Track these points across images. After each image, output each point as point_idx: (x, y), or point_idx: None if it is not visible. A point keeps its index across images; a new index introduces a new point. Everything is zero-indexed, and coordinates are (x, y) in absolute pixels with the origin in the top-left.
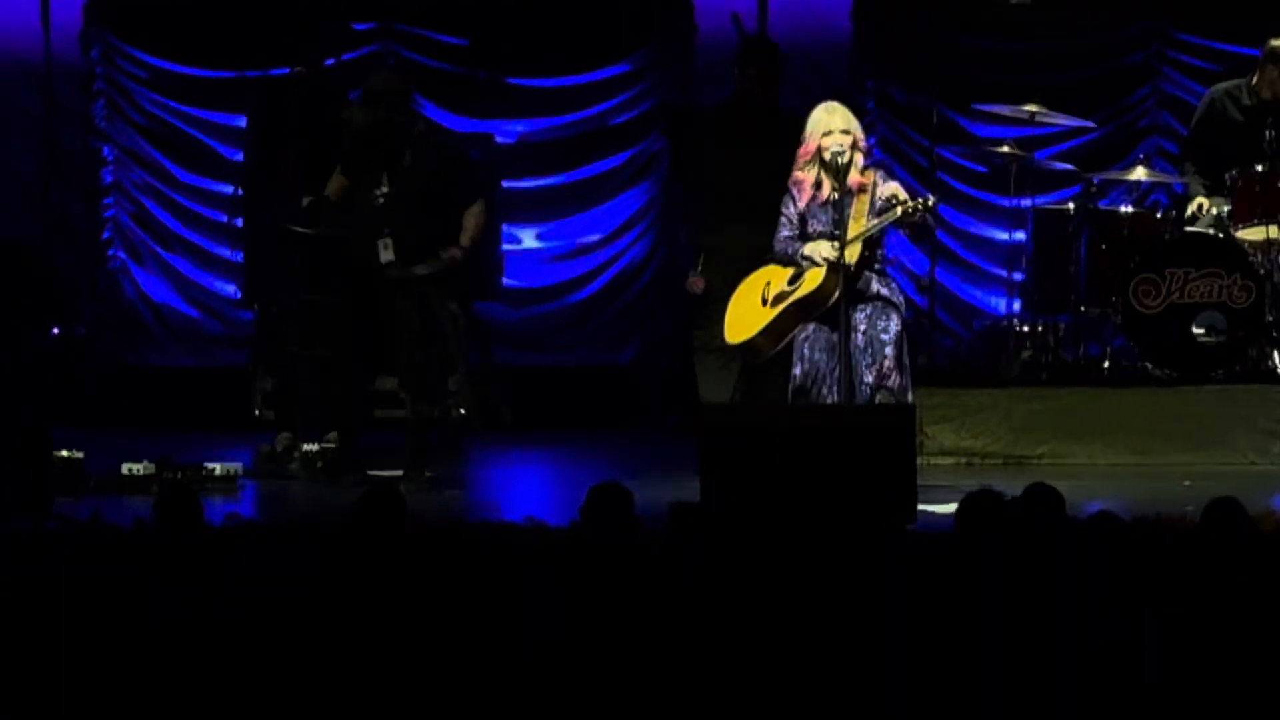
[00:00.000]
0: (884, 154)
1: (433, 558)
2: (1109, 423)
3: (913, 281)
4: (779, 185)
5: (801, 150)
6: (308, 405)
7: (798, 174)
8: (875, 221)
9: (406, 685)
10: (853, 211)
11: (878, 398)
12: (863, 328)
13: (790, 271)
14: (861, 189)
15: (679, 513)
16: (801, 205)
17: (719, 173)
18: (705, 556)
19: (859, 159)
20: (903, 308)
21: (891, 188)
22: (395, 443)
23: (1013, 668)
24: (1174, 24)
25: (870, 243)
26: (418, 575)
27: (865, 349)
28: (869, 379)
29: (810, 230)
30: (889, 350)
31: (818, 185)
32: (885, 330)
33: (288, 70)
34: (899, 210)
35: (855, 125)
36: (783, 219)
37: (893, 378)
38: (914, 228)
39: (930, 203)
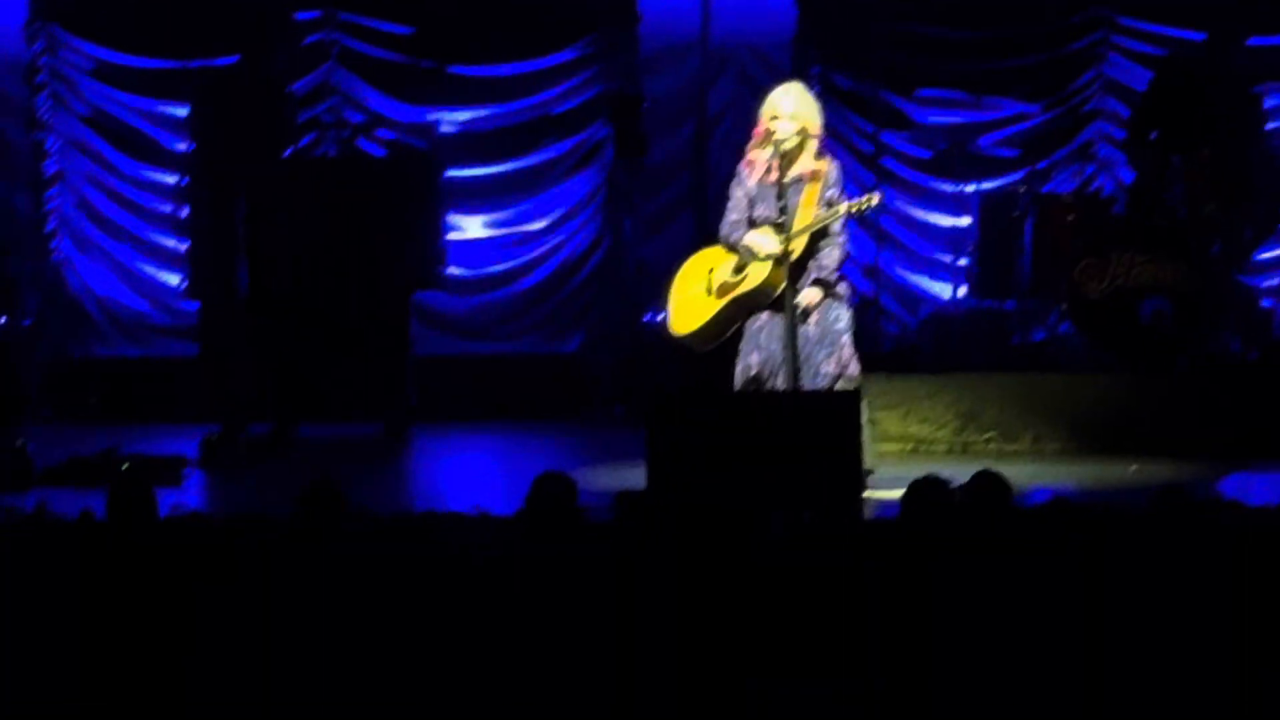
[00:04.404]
0: (829, 140)
1: (376, 548)
2: (1055, 409)
3: (857, 267)
4: None
5: (755, 130)
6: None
7: (750, 154)
8: (822, 215)
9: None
10: (802, 199)
11: (838, 387)
12: (815, 318)
13: (735, 259)
14: (814, 177)
15: (625, 501)
16: (750, 185)
17: None
18: (650, 544)
19: (811, 145)
20: (850, 295)
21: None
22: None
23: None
24: (1118, 9)
25: (818, 234)
26: (358, 566)
27: (821, 340)
28: (829, 369)
29: (756, 215)
30: (845, 339)
31: (768, 169)
32: (839, 319)
33: (231, 60)
34: (843, 209)
35: (808, 111)
36: (730, 202)
37: (852, 366)
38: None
39: (875, 201)
